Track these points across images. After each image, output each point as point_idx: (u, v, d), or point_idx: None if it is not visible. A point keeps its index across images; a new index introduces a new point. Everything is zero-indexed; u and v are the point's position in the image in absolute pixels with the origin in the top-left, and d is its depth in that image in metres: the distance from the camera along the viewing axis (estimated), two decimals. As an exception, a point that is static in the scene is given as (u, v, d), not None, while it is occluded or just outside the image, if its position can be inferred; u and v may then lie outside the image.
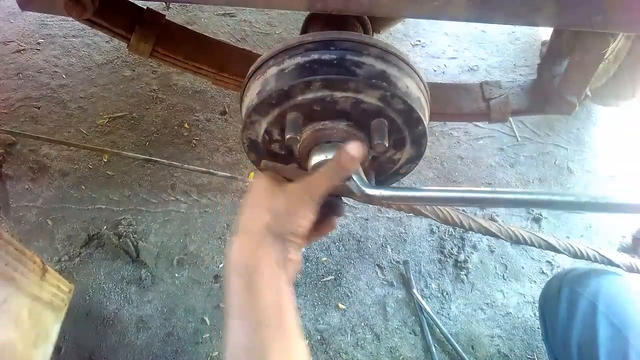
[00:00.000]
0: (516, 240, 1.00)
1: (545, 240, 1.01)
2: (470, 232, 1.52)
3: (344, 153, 0.62)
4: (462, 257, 1.49)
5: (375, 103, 0.64)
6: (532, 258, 1.51)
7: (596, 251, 1.04)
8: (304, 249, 1.50)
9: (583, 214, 1.62)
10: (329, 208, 0.72)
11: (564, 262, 1.48)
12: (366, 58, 0.65)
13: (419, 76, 0.71)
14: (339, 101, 0.64)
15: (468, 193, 0.67)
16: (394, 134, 0.69)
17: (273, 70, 0.67)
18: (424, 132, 0.69)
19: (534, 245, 1.02)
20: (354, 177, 0.65)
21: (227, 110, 1.85)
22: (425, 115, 0.70)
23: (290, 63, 0.66)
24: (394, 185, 0.88)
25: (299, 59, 0.65)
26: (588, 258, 1.03)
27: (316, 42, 0.67)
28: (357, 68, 0.63)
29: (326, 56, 0.65)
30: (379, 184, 0.83)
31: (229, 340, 0.53)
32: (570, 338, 0.95)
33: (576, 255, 1.02)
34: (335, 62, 0.64)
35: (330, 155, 0.66)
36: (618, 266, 1.05)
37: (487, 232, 1.00)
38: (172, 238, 1.51)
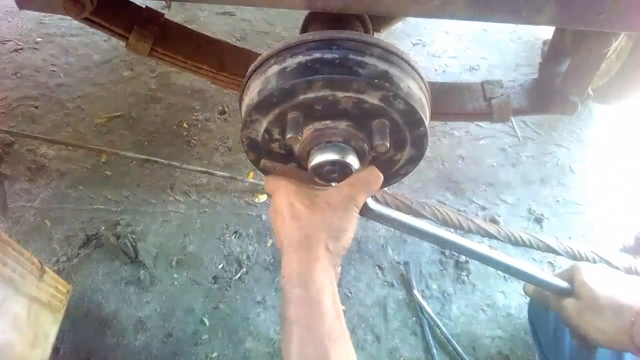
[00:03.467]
0: (515, 242, 1.00)
1: (544, 243, 1.01)
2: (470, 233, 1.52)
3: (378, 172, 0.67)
4: (462, 257, 1.48)
5: (377, 103, 0.64)
6: (534, 259, 1.50)
7: (595, 253, 1.04)
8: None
9: (585, 215, 1.62)
10: None
11: (565, 263, 1.47)
12: (369, 58, 0.65)
13: (420, 77, 0.71)
14: (341, 101, 0.64)
15: (452, 238, 0.75)
16: (395, 135, 0.68)
17: (274, 68, 0.66)
18: (425, 133, 0.69)
19: (533, 248, 1.02)
20: None
21: (226, 109, 1.84)
22: (426, 116, 0.70)
23: (292, 62, 0.65)
24: (392, 187, 0.88)
25: (301, 58, 0.65)
26: (587, 260, 1.03)
27: (318, 41, 0.66)
28: (359, 68, 0.63)
29: (328, 55, 0.64)
30: None
31: (294, 347, 0.58)
32: (563, 345, 0.97)
33: (575, 257, 1.02)
34: (337, 61, 0.63)
35: (335, 156, 0.66)
36: (617, 268, 1.05)
37: (486, 234, 1.00)
38: (171, 238, 1.50)
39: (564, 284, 0.85)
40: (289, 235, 0.65)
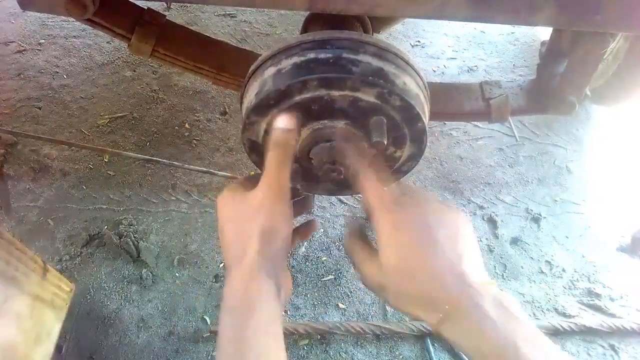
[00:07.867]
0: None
1: None
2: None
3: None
4: (461, 256, 1.49)
5: (372, 101, 0.64)
6: (531, 258, 1.51)
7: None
8: (303, 249, 1.50)
9: (583, 214, 1.63)
10: (300, 206, 0.73)
11: (563, 262, 1.49)
12: (363, 56, 0.65)
13: (417, 73, 0.71)
14: (337, 100, 0.64)
15: None
16: (394, 132, 0.69)
17: (270, 70, 0.67)
18: (424, 129, 0.69)
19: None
20: None
21: (227, 110, 1.85)
22: (424, 111, 0.70)
23: (287, 63, 0.66)
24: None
25: (296, 59, 0.66)
26: None
27: (313, 41, 0.67)
28: (353, 66, 0.63)
29: (322, 55, 0.65)
30: None
31: None
32: None
33: None
34: (331, 60, 0.64)
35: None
36: None
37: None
38: (172, 238, 1.51)
39: None
40: (231, 248, 0.57)
